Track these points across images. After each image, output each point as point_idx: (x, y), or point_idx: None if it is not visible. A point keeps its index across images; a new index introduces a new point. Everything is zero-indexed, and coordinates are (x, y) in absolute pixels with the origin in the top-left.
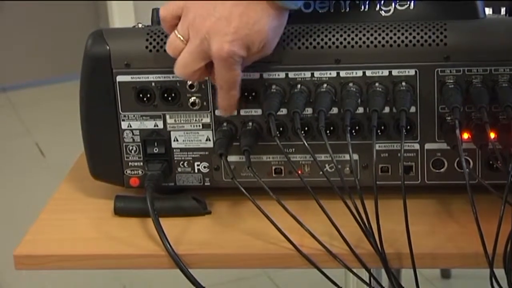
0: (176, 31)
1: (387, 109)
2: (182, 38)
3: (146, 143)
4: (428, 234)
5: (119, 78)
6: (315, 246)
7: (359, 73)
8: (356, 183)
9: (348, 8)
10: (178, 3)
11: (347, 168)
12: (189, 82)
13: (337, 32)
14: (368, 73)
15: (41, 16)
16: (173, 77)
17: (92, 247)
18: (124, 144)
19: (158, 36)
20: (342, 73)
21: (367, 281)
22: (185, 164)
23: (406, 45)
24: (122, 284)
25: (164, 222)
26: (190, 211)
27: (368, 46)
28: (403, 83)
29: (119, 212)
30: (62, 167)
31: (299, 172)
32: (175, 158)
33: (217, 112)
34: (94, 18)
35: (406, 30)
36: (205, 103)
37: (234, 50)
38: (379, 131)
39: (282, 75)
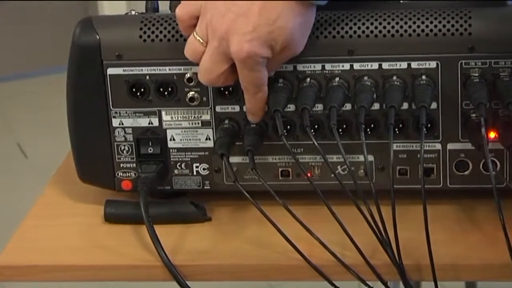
0: (194, 33)
1: (405, 105)
2: (201, 40)
3: (139, 143)
4: (450, 244)
5: (110, 71)
6: (326, 257)
7: (375, 65)
8: (371, 187)
9: None
10: (196, 2)
11: (361, 170)
12: (187, 76)
13: (351, 21)
14: (385, 65)
15: (23, 3)
16: (169, 69)
17: (80, 256)
18: (115, 143)
19: (154, 25)
20: (356, 66)
21: None
22: (183, 165)
23: (427, 34)
24: None
25: (159, 230)
26: (188, 217)
27: (384, 35)
28: (423, 77)
29: (109, 218)
30: (46, 169)
31: (309, 174)
32: (172, 159)
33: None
34: (81, 4)
35: (427, 18)
36: (204, 99)
37: (254, 50)
38: (396, 129)
39: (289, 67)
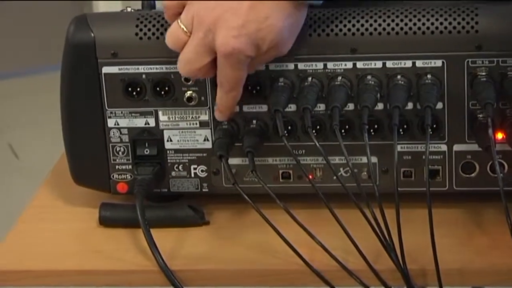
0: (178, 20)
1: (410, 105)
2: (185, 29)
3: (135, 144)
4: (456, 248)
5: (105, 69)
6: (328, 262)
7: (379, 64)
8: (375, 190)
9: None
10: None
11: (365, 173)
12: None
13: (354, 18)
14: (389, 64)
15: (16, 2)
16: (166, 68)
17: (74, 261)
18: (110, 144)
19: (150, 22)
20: (359, 64)
21: None
22: (180, 167)
23: (432, 32)
24: None
25: (156, 234)
26: (185, 221)
27: (388, 33)
28: (429, 76)
29: (105, 222)
30: (39, 171)
31: (310, 177)
32: (169, 161)
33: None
34: (77, 4)
35: (432, 16)
36: (202, 98)
37: (240, 47)
38: (401, 130)
39: (291, 66)
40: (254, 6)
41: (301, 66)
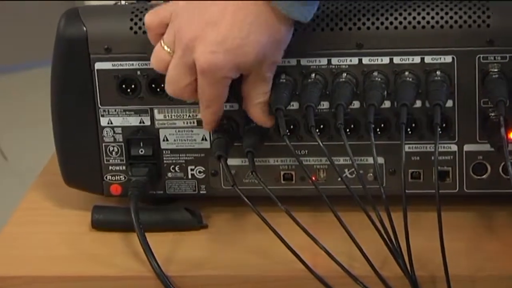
0: (161, 41)
1: (418, 103)
2: (168, 49)
3: (129, 143)
4: (466, 253)
5: (98, 65)
6: (332, 267)
7: (385, 60)
8: (382, 192)
9: None
10: (166, 8)
11: (371, 174)
12: None
13: (359, 11)
14: (396, 60)
15: None
16: None
17: (65, 267)
18: (103, 144)
19: (145, 15)
20: (365, 60)
21: None
22: (177, 168)
23: (442, 26)
24: None
25: (151, 238)
26: (182, 224)
27: (396, 27)
28: (438, 72)
29: (97, 225)
30: (29, 171)
31: (313, 178)
32: (165, 161)
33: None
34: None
35: (442, 9)
36: None
37: (217, 63)
38: (409, 129)
39: (293, 62)
40: (235, 21)
41: (304, 62)
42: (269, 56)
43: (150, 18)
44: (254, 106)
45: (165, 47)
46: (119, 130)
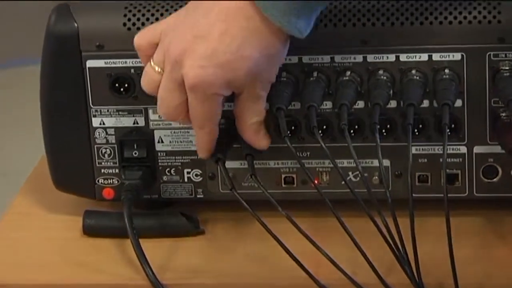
0: (151, 61)
1: (426, 103)
2: (157, 68)
3: (123, 145)
4: (475, 260)
5: (90, 63)
6: (335, 275)
7: (391, 57)
8: (387, 196)
9: None
10: (155, 27)
11: (376, 177)
12: None
13: (364, 7)
14: (403, 57)
15: None
16: None
17: (55, 274)
18: (95, 146)
19: (139, 11)
20: (370, 58)
21: None
22: (172, 171)
23: (450, 22)
24: None
25: (146, 244)
26: (178, 230)
27: (402, 23)
28: (447, 70)
29: (89, 231)
30: (17, 175)
31: (316, 181)
32: (160, 164)
33: None
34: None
35: (450, 5)
36: None
37: (206, 79)
38: (416, 130)
39: (294, 59)
40: (225, 34)
41: (305, 59)
42: (262, 73)
43: (140, 38)
44: (247, 127)
45: (156, 67)
46: (111, 131)
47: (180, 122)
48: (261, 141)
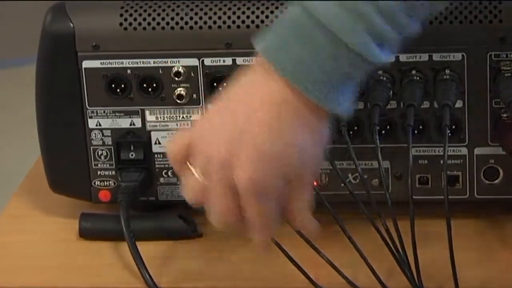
0: (193, 171)
1: (426, 104)
2: (201, 178)
3: (119, 147)
4: (477, 264)
5: (86, 64)
6: (335, 279)
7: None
8: (387, 198)
9: None
10: (183, 137)
11: (376, 179)
12: (174, 70)
13: None
14: (402, 57)
15: None
16: (154, 62)
17: (51, 278)
18: (91, 147)
19: (136, 11)
20: None
21: None
22: (169, 173)
23: (451, 22)
24: None
25: (143, 247)
26: (175, 233)
27: None
28: (447, 71)
29: (85, 234)
30: (12, 177)
31: (315, 183)
32: (157, 166)
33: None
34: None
35: (451, 3)
36: (194, 96)
37: (259, 180)
38: (416, 131)
39: None
40: (268, 126)
41: None
42: (313, 157)
43: (173, 152)
44: (298, 215)
45: (197, 175)
46: (108, 132)
47: (235, 228)
48: (311, 225)
